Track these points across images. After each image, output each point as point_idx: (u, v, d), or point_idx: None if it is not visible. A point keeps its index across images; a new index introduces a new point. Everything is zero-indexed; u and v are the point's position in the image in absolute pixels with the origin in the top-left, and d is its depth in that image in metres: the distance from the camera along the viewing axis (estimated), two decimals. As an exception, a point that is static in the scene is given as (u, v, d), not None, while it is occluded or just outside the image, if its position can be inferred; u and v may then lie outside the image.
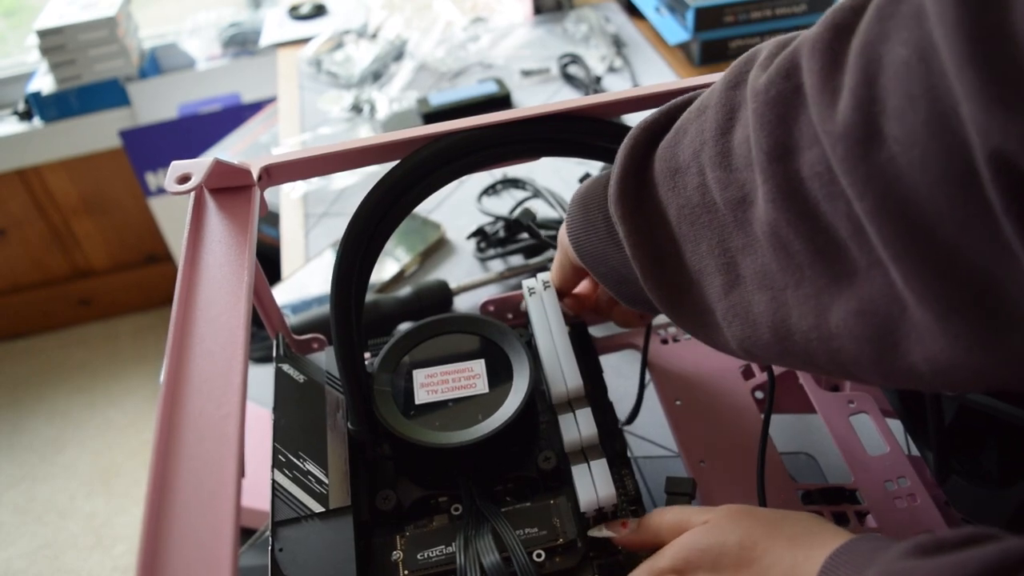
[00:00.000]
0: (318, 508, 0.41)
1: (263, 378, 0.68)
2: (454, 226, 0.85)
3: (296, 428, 0.44)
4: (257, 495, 0.45)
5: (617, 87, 1.08)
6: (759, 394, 0.52)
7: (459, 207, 0.89)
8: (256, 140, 1.44)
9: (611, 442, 0.44)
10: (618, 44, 1.16)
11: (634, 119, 0.49)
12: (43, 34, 1.56)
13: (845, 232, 0.28)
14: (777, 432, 0.50)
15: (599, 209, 0.41)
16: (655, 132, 0.39)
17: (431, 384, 0.45)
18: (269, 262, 0.88)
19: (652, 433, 0.59)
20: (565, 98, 0.94)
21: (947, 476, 0.43)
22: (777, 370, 0.52)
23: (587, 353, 0.50)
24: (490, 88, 1.05)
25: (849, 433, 0.47)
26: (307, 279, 0.83)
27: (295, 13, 1.42)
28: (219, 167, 0.40)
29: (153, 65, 1.76)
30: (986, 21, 0.21)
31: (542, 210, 0.78)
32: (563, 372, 0.45)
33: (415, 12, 1.31)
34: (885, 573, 0.27)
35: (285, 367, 0.47)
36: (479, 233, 0.81)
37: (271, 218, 1.07)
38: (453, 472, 0.42)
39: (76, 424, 1.85)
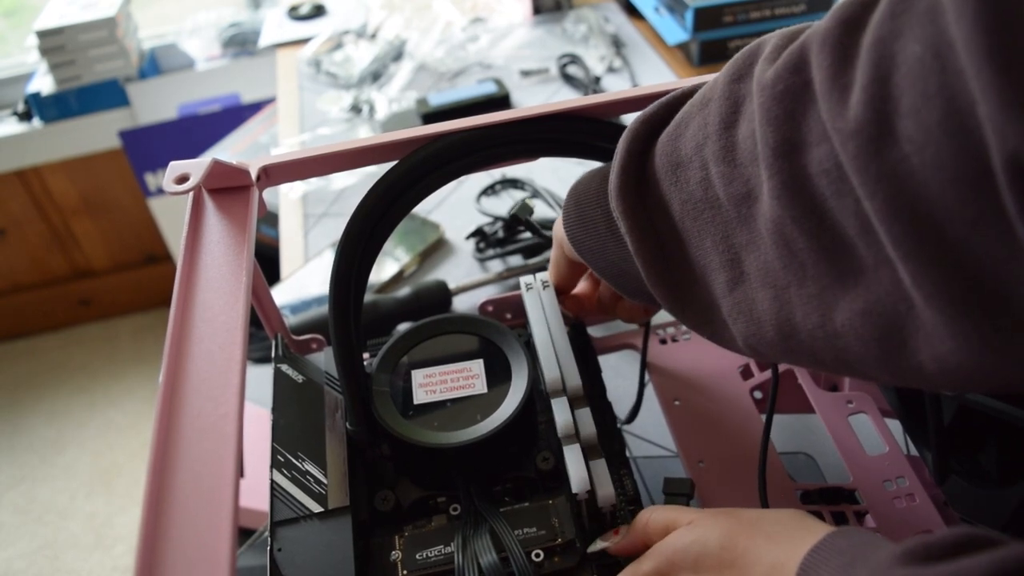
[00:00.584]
0: (317, 508, 0.41)
1: (262, 379, 0.68)
2: (453, 226, 0.85)
3: (295, 428, 0.44)
4: (256, 495, 0.45)
5: (616, 87, 1.08)
6: (758, 394, 0.52)
7: (458, 207, 0.89)
8: (255, 140, 1.44)
9: (610, 442, 0.44)
10: (617, 44, 1.16)
11: (633, 119, 0.49)
12: (43, 34, 1.56)
13: (852, 230, 0.28)
14: (776, 432, 0.50)
15: (596, 203, 0.41)
16: (654, 125, 0.39)
17: (430, 384, 0.45)
18: (268, 262, 0.88)
19: (651, 433, 0.59)
20: (564, 98, 0.94)
21: (946, 476, 0.43)
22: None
23: (586, 353, 0.50)
24: (489, 88, 1.05)
25: (848, 433, 0.47)
26: (306, 279, 0.83)
27: (294, 13, 1.42)
28: (217, 167, 0.40)
29: (153, 65, 1.76)
30: (1007, 20, 0.21)
31: (541, 210, 0.78)
32: (561, 369, 0.45)
33: (414, 12, 1.31)
34: None
35: (284, 367, 0.47)
36: (478, 233, 0.81)
37: (270, 218, 1.07)
38: (452, 472, 0.42)
39: (76, 424, 1.85)
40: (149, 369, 1.93)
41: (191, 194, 0.40)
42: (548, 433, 0.45)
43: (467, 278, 0.76)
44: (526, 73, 1.13)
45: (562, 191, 0.79)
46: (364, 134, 1.05)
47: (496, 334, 0.47)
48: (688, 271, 0.37)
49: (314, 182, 0.96)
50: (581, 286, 0.52)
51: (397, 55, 1.22)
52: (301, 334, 0.53)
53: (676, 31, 1.10)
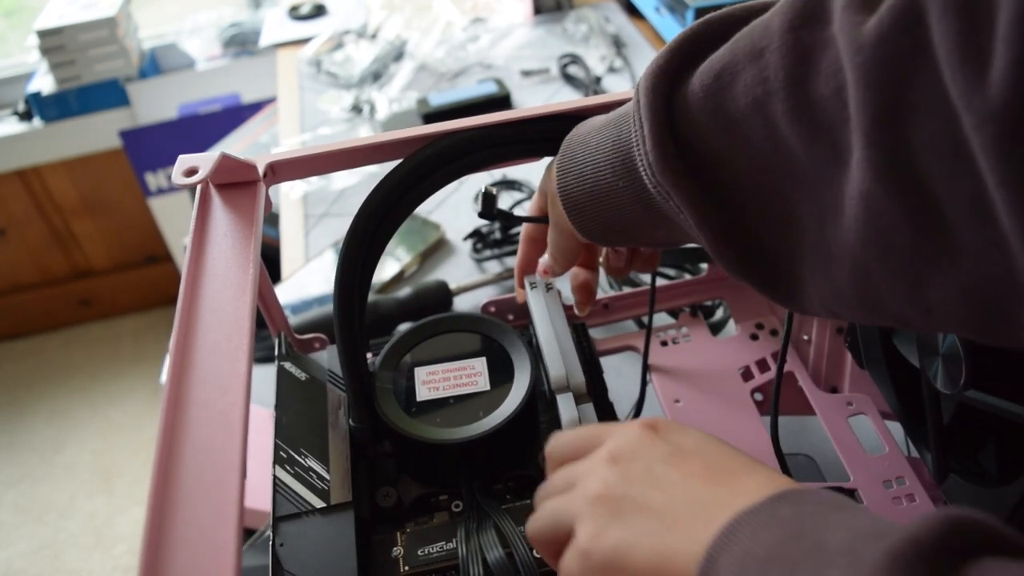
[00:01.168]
0: (319, 504, 0.41)
1: (264, 378, 0.68)
2: (454, 227, 0.85)
3: (298, 425, 0.44)
4: (257, 495, 0.45)
5: (617, 87, 1.08)
6: (758, 396, 0.53)
7: (459, 208, 0.89)
8: (256, 140, 1.44)
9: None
10: (618, 44, 1.17)
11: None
12: (43, 34, 1.56)
13: (961, 211, 0.25)
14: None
15: (609, 169, 0.38)
16: (673, 77, 0.35)
17: (433, 382, 0.45)
18: (269, 262, 0.88)
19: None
20: (565, 98, 0.94)
21: (945, 475, 0.43)
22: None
23: (587, 354, 0.50)
24: (490, 88, 1.05)
25: (848, 434, 0.48)
26: (307, 279, 0.83)
27: (295, 13, 1.42)
28: (225, 162, 0.40)
29: (153, 65, 1.76)
30: None
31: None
32: (566, 366, 0.45)
33: (415, 12, 1.31)
34: None
35: (287, 365, 0.48)
36: (475, 234, 0.81)
37: (271, 218, 1.07)
38: (454, 469, 0.43)
39: (76, 424, 1.85)
40: (149, 369, 1.93)
41: (199, 188, 0.41)
42: (550, 432, 0.45)
43: (467, 278, 0.77)
44: (527, 73, 1.13)
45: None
46: (365, 134, 1.05)
47: (499, 332, 0.47)
48: (755, 232, 0.34)
49: (315, 182, 0.96)
50: (578, 273, 0.50)
51: (398, 55, 1.22)
52: (303, 333, 0.53)
53: (676, 31, 1.10)
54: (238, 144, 1.44)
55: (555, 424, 0.44)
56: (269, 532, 0.40)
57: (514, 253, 0.78)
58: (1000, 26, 0.22)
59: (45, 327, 2.08)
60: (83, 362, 2.00)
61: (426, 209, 0.88)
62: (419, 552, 0.40)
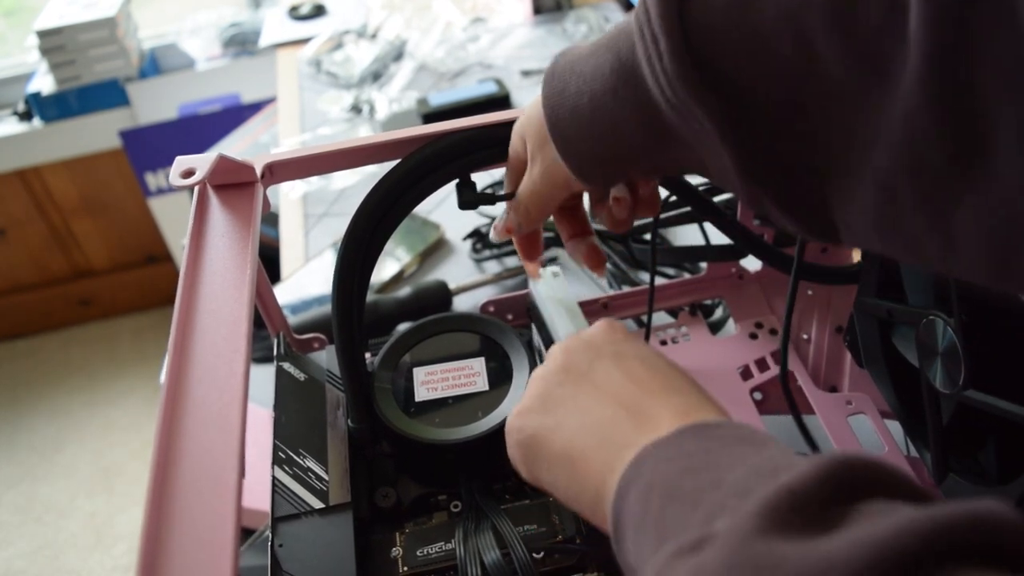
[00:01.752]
0: (318, 504, 0.41)
1: (263, 378, 0.68)
2: (453, 226, 0.85)
3: (297, 425, 0.44)
4: (256, 495, 0.45)
5: (616, 87, 1.08)
6: (758, 395, 0.53)
7: (458, 208, 0.89)
8: (256, 140, 1.44)
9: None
10: (617, 44, 1.17)
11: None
12: (43, 34, 1.56)
13: (1009, 139, 0.24)
14: (776, 432, 0.50)
15: (611, 94, 0.35)
16: None
17: (431, 382, 0.45)
18: (269, 262, 0.88)
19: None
20: (565, 98, 0.93)
21: (945, 475, 0.43)
22: (776, 371, 0.52)
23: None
24: (490, 88, 1.05)
25: (847, 433, 0.48)
26: (306, 279, 0.83)
27: (295, 13, 1.42)
28: (223, 163, 0.40)
29: (153, 65, 1.76)
30: None
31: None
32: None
33: (415, 12, 1.31)
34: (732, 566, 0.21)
35: (286, 365, 0.48)
36: (475, 234, 0.81)
37: (271, 218, 1.07)
38: (453, 469, 0.43)
39: (76, 424, 1.85)
40: (149, 369, 1.93)
41: (196, 189, 0.40)
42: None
43: (467, 278, 0.76)
44: (526, 73, 1.13)
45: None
46: (364, 134, 1.05)
47: (498, 332, 0.47)
48: (779, 147, 0.32)
49: (314, 182, 0.96)
50: (574, 235, 0.48)
51: (397, 55, 1.22)
52: (302, 334, 0.53)
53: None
54: (238, 144, 1.44)
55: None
56: (268, 532, 0.40)
57: (514, 253, 0.78)
58: None
59: (45, 327, 2.08)
60: (83, 362, 2.00)
61: (426, 209, 0.88)
62: (418, 552, 0.40)
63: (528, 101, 0.45)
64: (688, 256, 0.69)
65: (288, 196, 0.97)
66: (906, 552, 0.19)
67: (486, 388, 0.44)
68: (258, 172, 0.42)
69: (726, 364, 0.53)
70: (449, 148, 0.45)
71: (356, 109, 1.10)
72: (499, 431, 0.41)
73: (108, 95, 1.67)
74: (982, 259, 0.27)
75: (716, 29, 0.31)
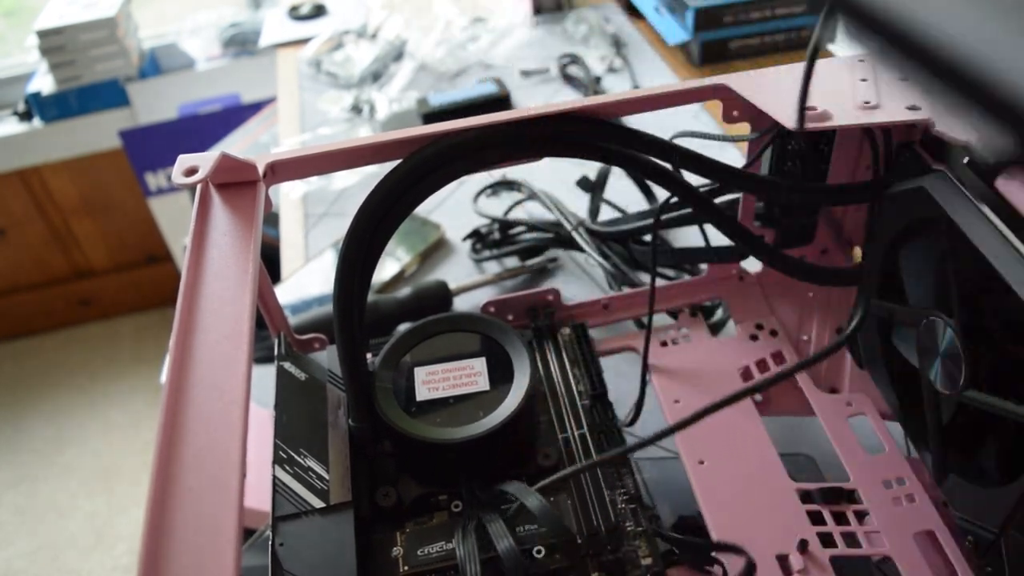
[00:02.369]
0: (319, 504, 0.41)
1: (264, 378, 0.68)
2: (454, 227, 0.85)
3: (297, 425, 0.44)
4: (256, 495, 0.45)
5: (617, 87, 1.08)
6: (758, 396, 0.53)
7: (459, 208, 0.89)
8: (256, 140, 1.44)
9: (611, 443, 0.45)
10: (618, 44, 1.17)
11: (634, 119, 0.50)
12: (43, 34, 1.56)
13: None
14: (776, 432, 0.50)
15: None
16: None
17: (432, 381, 0.45)
18: (269, 262, 0.88)
19: (652, 433, 0.59)
20: (565, 98, 0.94)
21: (945, 476, 0.43)
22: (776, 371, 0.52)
23: (587, 354, 0.50)
24: (490, 88, 1.05)
25: (847, 434, 0.48)
26: (307, 279, 0.83)
27: (295, 13, 1.42)
28: (225, 161, 0.40)
29: (153, 65, 1.76)
30: None
31: (537, 212, 0.78)
32: None
33: (415, 12, 1.31)
34: None
35: (287, 365, 0.48)
36: (475, 234, 0.81)
37: (271, 218, 1.07)
38: (454, 469, 0.43)
39: (76, 424, 1.85)
40: (149, 369, 1.93)
41: (198, 188, 0.41)
42: (550, 432, 0.45)
43: (467, 278, 0.77)
44: (526, 73, 1.13)
45: (561, 192, 0.79)
46: (365, 134, 1.05)
47: (499, 332, 0.47)
48: None
49: (315, 182, 0.96)
50: None
51: (397, 55, 1.22)
52: (303, 333, 0.53)
53: (676, 31, 1.11)
54: (238, 144, 1.44)
55: (554, 424, 0.44)
56: (268, 532, 0.40)
57: (513, 253, 0.78)
58: None
59: (45, 327, 2.08)
60: (83, 362, 2.00)
61: (426, 209, 0.88)
62: (419, 552, 0.40)
63: (528, 101, 0.45)
64: (688, 257, 0.68)
65: (289, 196, 0.97)
66: None
67: (487, 388, 0.44)
68: (260, 171, 0.42)
69: (726, 365, 0.53)
70: (449, 148, 0.45)
71: (356, 109, 1.10)
72: (500, 431, 0.41)
73: (108, 95, 1.67)
74: None
75: None
